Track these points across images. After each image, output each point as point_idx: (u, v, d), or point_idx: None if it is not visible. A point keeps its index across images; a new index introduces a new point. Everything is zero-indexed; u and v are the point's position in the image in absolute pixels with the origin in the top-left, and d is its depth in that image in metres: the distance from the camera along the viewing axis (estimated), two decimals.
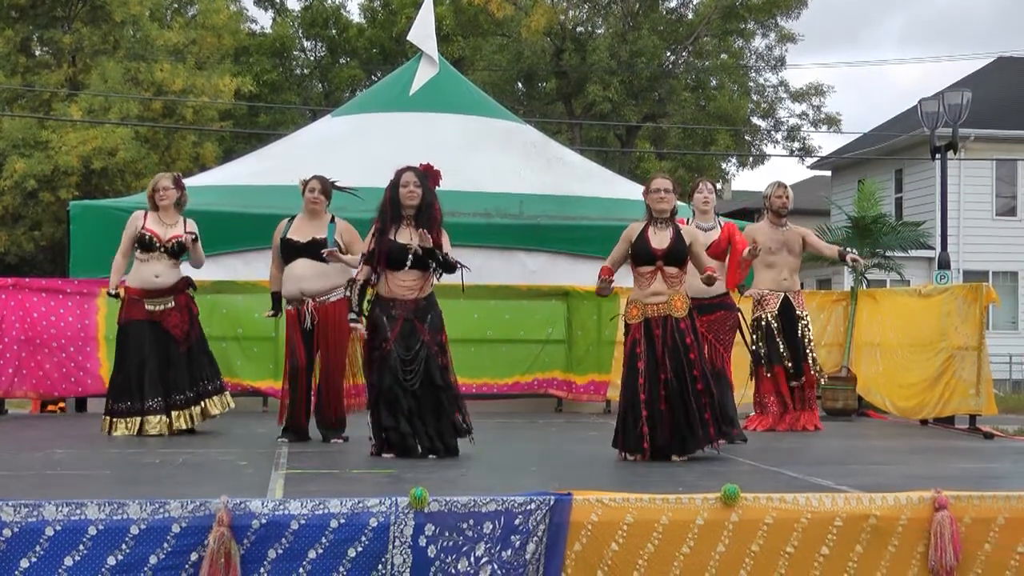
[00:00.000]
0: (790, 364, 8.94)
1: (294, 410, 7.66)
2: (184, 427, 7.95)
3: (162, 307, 7.95)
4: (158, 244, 7.94)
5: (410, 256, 6.77)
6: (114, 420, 7.90)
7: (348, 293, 7.25)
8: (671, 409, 6.70)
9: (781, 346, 8.94)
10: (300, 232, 7.68)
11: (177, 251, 8.00)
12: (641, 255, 6.81)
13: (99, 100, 27.11)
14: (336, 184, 7.82)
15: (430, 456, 6.72)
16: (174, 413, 7.92)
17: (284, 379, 7.77)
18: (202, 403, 8.02)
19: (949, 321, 9.36)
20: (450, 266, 6.86)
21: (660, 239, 6.81)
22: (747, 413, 9.04)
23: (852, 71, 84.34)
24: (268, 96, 33.87)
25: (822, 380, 9.45)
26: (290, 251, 7.66)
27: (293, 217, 7.81)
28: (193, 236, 8.03)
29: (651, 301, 6.78)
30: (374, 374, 6.81)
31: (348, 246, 7.66)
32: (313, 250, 7.61)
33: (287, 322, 7.76)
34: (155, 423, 7.85)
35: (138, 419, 7.85)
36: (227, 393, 8.26)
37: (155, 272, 7.94)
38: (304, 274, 7.62)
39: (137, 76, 27.83)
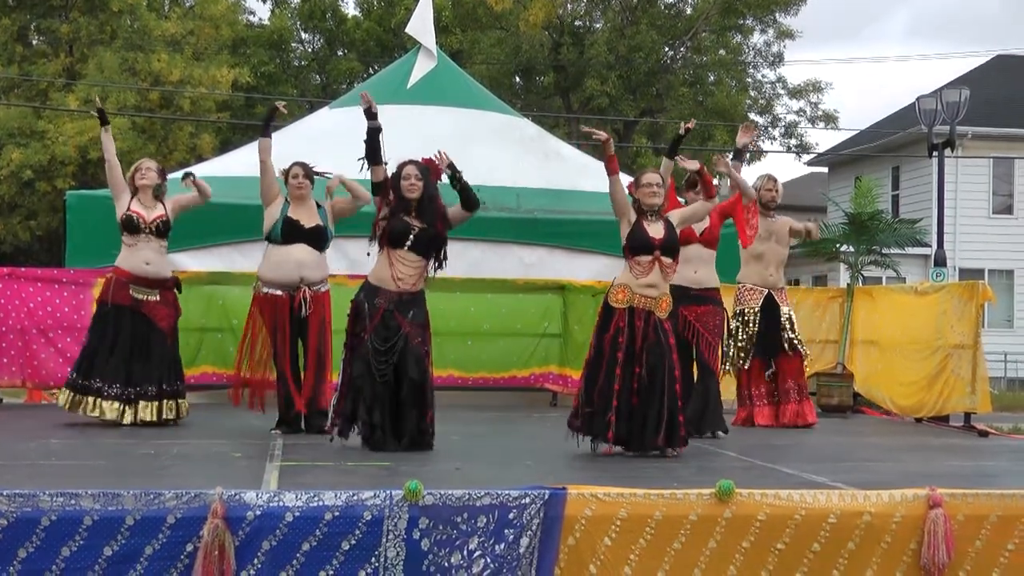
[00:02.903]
0: (766, 358, 8.97)
1: (286, 401, 7.64)
2: (149, 419, 7.88)
3: (146, 297, 7.96)
4: (143, 225, 7.94)
5: (411, 236, 6.77)
6: (69, 392, 7.87)
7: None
8: (641, 404, 6.70)
9: (757, 340, 8.96)
10: (300, 216, 7.64)
11: (163, 230, 8.01)
12: (639, 244, 6.81)
13: (96, 90, 27.05)
14: (315, 169, 7.82)
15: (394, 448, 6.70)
16: (141, 403, 7.88)
17: (241, 365, 7.71)
18: (167, 401, 7.98)
19: (945, 319, 9.37)
20: (471, 197, 6.92)
21: (656, 230, 6.84)
22: (730, 409, 9.05)
23: (855, 67, 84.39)
24: (265, 88, 33.80)
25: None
26: (293, 233, 7.58)
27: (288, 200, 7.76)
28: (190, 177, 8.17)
29: (642, 292, 6.78)
30: (350, 361, 6.82)
31: (340, 208, 7.75)
32: (315, 237, 7.60)
33: (271, 307, 7.59)
34: (114, 409, 7.81)
35: (91, 399, 7.82)
36: (185, 402, 8.18)
37: (145, 259, 7.96)
38: (306, 261, 7.58)
39: (134, 66, 27.76)
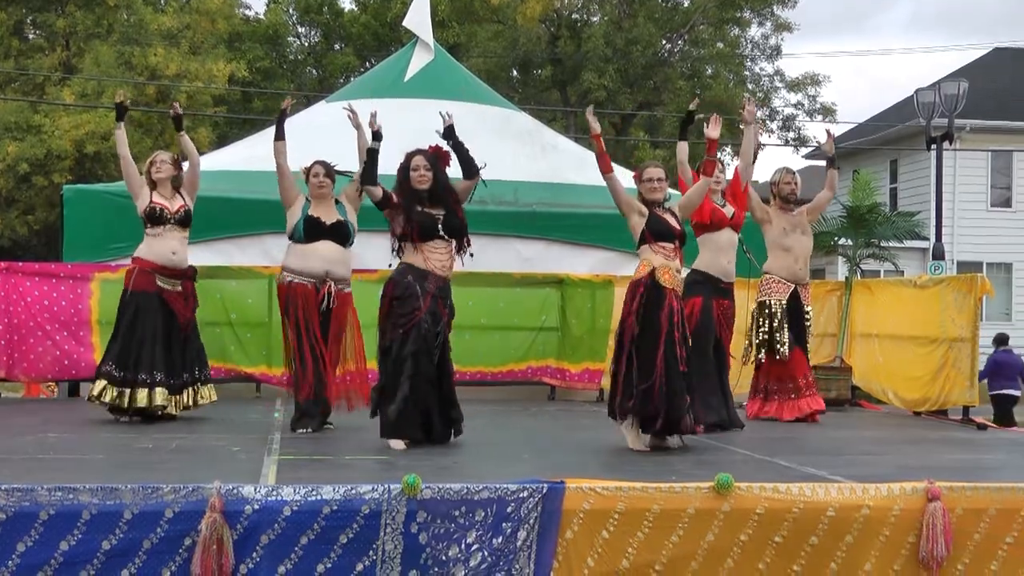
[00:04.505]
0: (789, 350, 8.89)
1: (319, 389, 7.45)
2: (175, 412, 7.92)
3: (171, 287, 7.96)
4: (168, 215, 7.94)
5: (440, 225, 6.74)
6: (106, 385, 7.81)
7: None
8: (687, 385, 6.71)
9: (790, 332, 8.86)
10: (321, 214, 7.61)
11: (185, 220, 8.02)
12: (662, 233, 6.80)
13: (92, 84, 27.02)
14: (336, 168, 7.81)
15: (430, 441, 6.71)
16: (174, 397, 7.92)
17: (297, 357, 7.48)
18: (192, 389, 8.01)
19: (946, 313, 9.36)
20: (470, 164, 6.93)
21: (672, 220, 6.88)
22: (740, 402, 9.00)
23: (853, 60, 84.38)
24: (261, 83, 33.75)
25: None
26: (315, 230, 7.52)
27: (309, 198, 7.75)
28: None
29: (677, 275, 6.81)
30: (404, 343, 6.63)
31: (353, 194, 7.70)
32: (338, 233, 7.58)
33: (300, 297, 7.46)
34: (144, 397, 7.79)
35: (127, 390, 7.80)
36: (211, 386, 8.20)
37: (171, 248, 7.95)
38: (333, 257, 7.53)
39: (131, 60, 27.74)
